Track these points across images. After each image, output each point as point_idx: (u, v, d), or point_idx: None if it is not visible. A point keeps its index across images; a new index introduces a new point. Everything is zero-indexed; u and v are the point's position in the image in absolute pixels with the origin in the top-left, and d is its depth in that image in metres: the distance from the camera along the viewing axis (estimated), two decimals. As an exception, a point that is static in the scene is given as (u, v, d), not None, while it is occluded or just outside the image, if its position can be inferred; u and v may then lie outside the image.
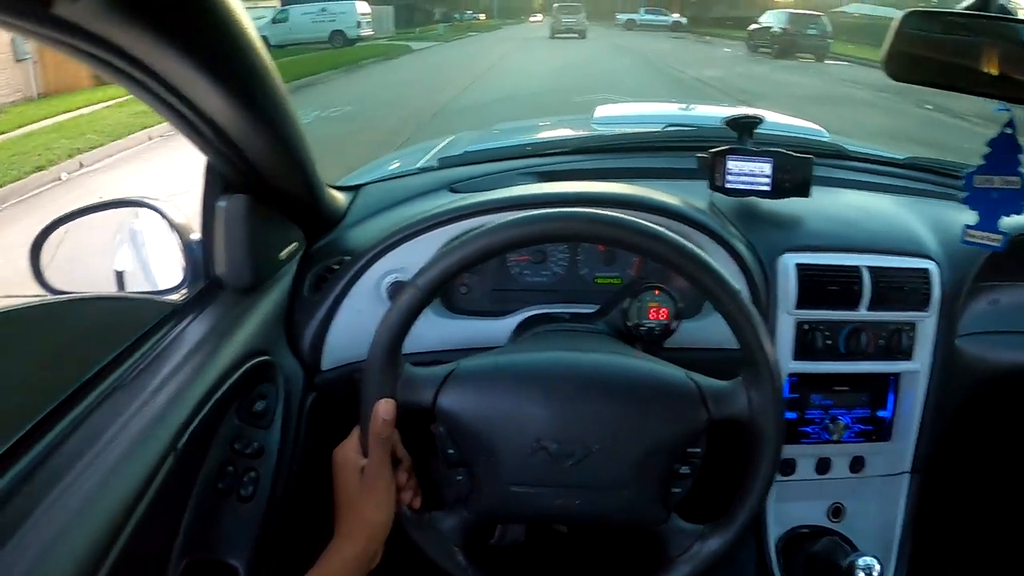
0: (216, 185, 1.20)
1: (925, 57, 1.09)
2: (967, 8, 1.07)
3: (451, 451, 1.01)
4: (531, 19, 65.90)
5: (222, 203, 1.19)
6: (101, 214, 1.46)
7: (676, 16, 46.52)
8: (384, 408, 0.97)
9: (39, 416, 0.94)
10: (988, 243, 1.26)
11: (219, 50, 0.93)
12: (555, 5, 39.31)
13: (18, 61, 13.57)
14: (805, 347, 1.41)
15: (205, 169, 1.19)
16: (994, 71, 1.06)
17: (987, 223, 1.25)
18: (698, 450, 1.00)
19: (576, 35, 34.77)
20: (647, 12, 47.28)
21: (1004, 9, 1.05)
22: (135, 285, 1.95)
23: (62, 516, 0.80)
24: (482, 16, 69.03)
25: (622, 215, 0.96)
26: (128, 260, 1.97)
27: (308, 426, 1.26)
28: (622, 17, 47.77)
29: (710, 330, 1.31)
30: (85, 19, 0.75)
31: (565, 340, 1.16)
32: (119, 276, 1.99)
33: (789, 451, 1.47)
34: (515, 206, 1.31)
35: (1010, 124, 1.18)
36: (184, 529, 1.00)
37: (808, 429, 1.45)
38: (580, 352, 1.06)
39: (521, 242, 0.95)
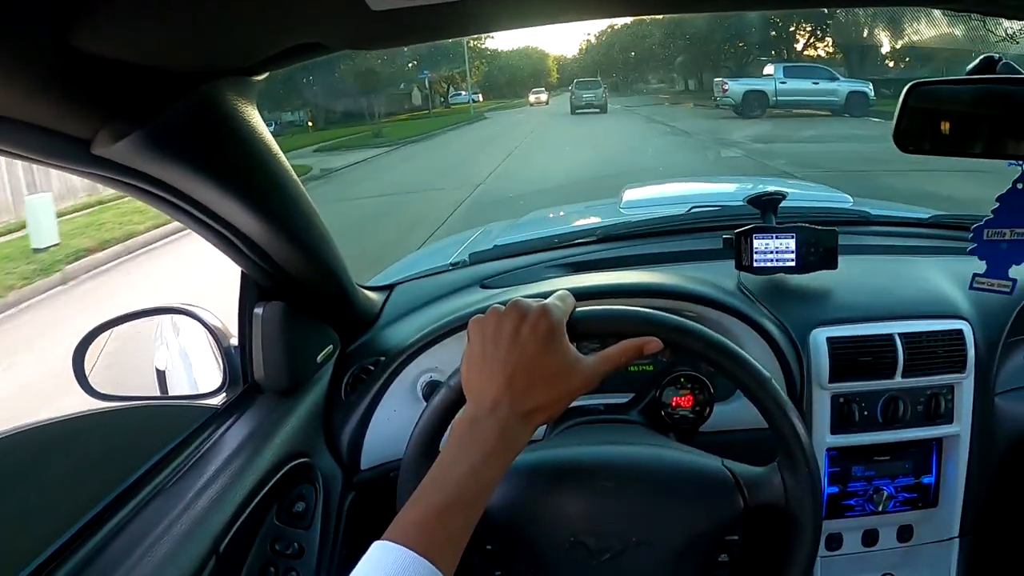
0: (252, 292, 1.24)
1: (934, 127, 1.10)
2: (970, 73, 1.08)
3: (489, 547, 1.01)
4: (532, 96, 49.70)
5: (259, 310, 1.23)
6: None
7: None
8: None
9: (85, 519, 0.97)
10: (997, 289, 1.25)
11: (247, 172, 0.98)
12: (575, 81, 38.94)
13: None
14: (842, 420, 1.39)
15: (241, 277, 1.24)
16: (1003, 133, 1.07)
17: (996, 271, 1.24)
18: (736, 537, 0.99)
19: (597, 110, 34.00)
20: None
21: (1009, 68, 1.06)
22: (176, 384, 2.00)
23: None
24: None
25: (648, 309, 0.97)
26: (169, 360, 2.02)
27: (348, 525, 1.27)
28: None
29: (745, 412, 1.30)
30: (123, 157, 0.80)
31: (600, 434, 1.15)
32: (160, 375, 2.04)
33: (834, 525, 1.44)
34: None
35: (1021, 178, 1.18)
36: None
37: (852, 502, 1.43)
38: (614, 445, 1.07)
39: (590, 335, 0.96)
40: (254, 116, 0.95)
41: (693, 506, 0.97)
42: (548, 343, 0.86)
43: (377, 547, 0.71)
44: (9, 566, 0.89)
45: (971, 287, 1.26)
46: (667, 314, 0.97)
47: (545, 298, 0.91)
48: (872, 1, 1.02)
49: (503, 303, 0.90)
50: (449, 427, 0.88)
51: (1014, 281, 1.24)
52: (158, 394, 1.69)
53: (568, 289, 1.28)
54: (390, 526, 0.73)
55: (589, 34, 70.15)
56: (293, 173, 1.09)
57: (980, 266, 1.25)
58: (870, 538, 1.48)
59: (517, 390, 0.83)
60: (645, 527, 0.96)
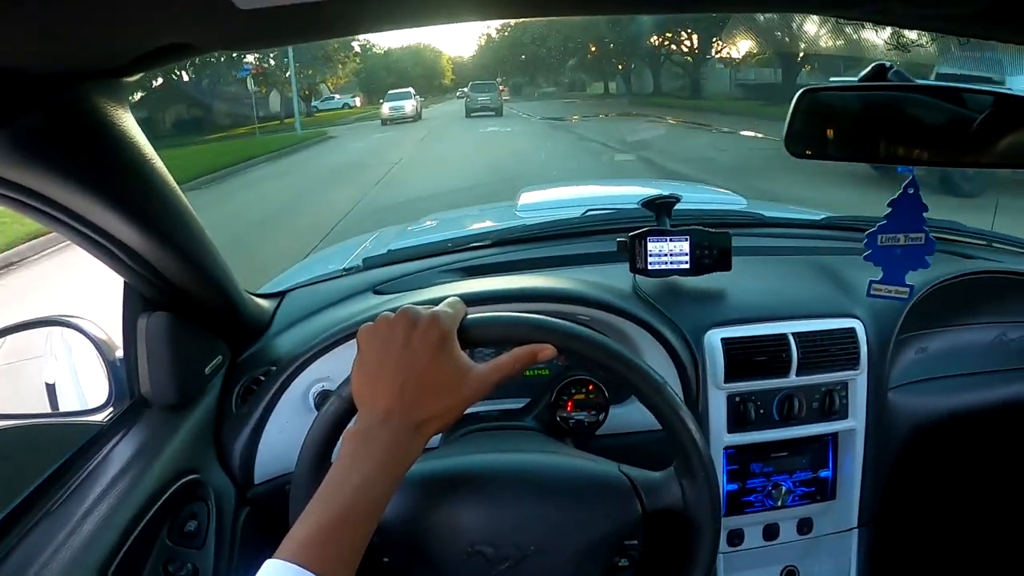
0: (135, 303, 1.19)
1: (823, 133, 1.12)
2: (863, 80, 1.09)
3: (386, 559, 0.99)
4: (386, 107, 32.40)
5: (142, 321, 1.18)
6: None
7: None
8: None
9: None
10: (895, 296, 1.29)
11: (122, 179, 0.94)
12: (470, 83, 37.48)
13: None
14: (738, 419, 1.41)
15: (123, 288, 1.19)
16: (894, 139, 1.09)
17: (892, 277, 1.28)
18: (635, 542, 0.99)
19: (492, 112, 32.53)
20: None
21: (900, 76, 1.07)
22: (66, 399, 1.92)
23: None
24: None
25: (540, 316, 0.96)
26: (58, 373, 1.93)
27: (244, 541, 1.24)
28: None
29: (640, 414, 1.30)
30: None
31: (494, 441, 1.15)
32: (50, 389, 1.95)
33: (735, 522, 1.47)
34: None
35: (912, 183, 1.21)
36: None
37: (751, 498, 1.46)
38: (509, 453, 1.06)
39: (483, 342, 0.94)
40: (126, 120, 0.92)
41: (590, 512, 0.97)
42: (439, 351, 0.85)
43: (267, 565, 0.69)
44: None
45: (869, 294, 1.29)
46: (559, 320, 0.96)
47: (436, 304, 0.90)
48: (762, 5, 1.03)
49: (393, 310, 0.88)
50: (340, 438, 0.85)
51: (911, 287, 1.27)
52: (48, 410, 1.62)
53: (460, 294, 1.27)
54: (282, 543, 0.71)
55: (489, 27, 64.72)
56: (171, 180, 1.05)
57: (875, 270, 1.28)
58: (771, 532, 1.51)
59: (408, 400, 0.82)
60: (543, 535, 0.95)
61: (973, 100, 1.02)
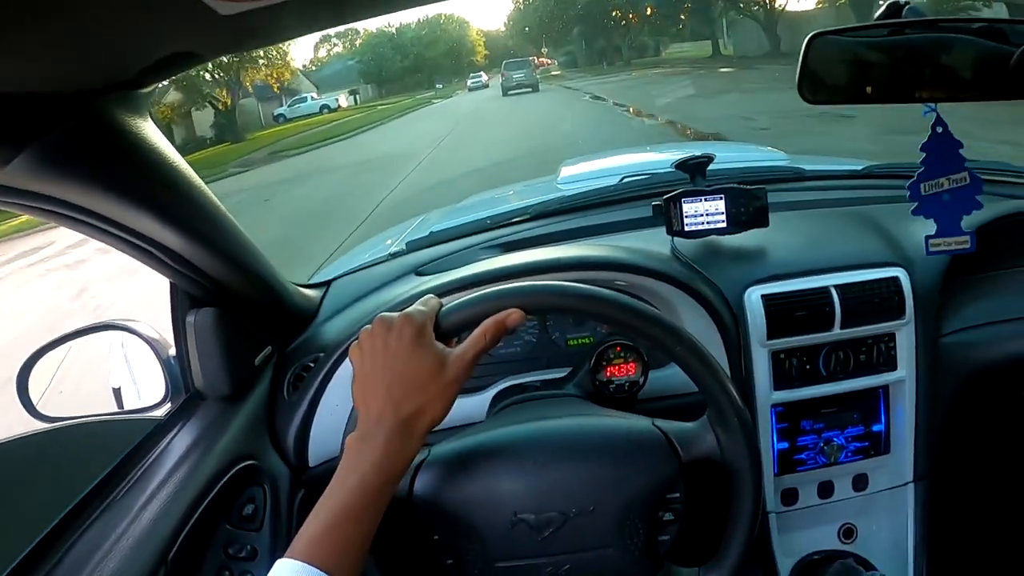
0: (183, 301, 1.24)
1: (836, 76, 1.09)
2: (878, 19, 1.07)
3: (436, 537, 1.01)
4: (470, 81, 47.07)
5: (191, 318, 1.23)
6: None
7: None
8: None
9: (35, 540, 0.98)
10: (956, 247, 1.23)
11: (152, 186, 0.98)
12: (504, 62, 36.69)
13: None
14: (784, 376, 1.40)
15: (171, 287, 1.23)
16: (910, 76, 1.06)
17: (947, 228, 1.23)
18: (677, 495, 1.00)
19: (529, 89, 32.51)
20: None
21: (915, 12, 1.05)
22: (130, 399, 1.99)
23: None
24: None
25: (558, 282, 0.97)
26: (121, 376, 2.01)
27: (300, 522, 1.27)
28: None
29: (677, 377, 1.31)
30: (16, 181, 0.79)
31: (533, 411, 1.16)
32: (116, 392, 2.03)
33: (788, 480, 1.46)
34: (474, 284, 1.32)
35: (939, 122, 1.18)
36: None
37: (803, 456, 1.44)
38: (544, 420, 1.07)
39: (460, 328, 0.95)
40: (148, 129, 0.95)
41: (627, 469, 0.98)
42: (414, 347, 0.89)
43: (278, 565, 0.77)
44: None
45: (928, 252, 1.26)
46: (525, 283, 0.97)
47: (474, 283, 0.93)
48: None
49: (370, 322, 0.93)
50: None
51: (971, 235, 1.22)
52: (115, 411, 1.69)
53: (496, 268, 1.28)
54: (291, 544, 0.80)
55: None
56: (201, 183, 1.09)
57: (925, 221, 1.23)
58: (825, 490, 1.49)
59: (396, 399, 0.87)
60: (582, 497, 0.96)
61: (1013, 32, 0.99)
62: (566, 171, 2.49)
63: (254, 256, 1.26)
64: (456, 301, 0.96)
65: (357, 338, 0.94)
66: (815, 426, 1.44)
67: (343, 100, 44.18)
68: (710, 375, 0.96)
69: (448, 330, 0.94)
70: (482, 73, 48.79)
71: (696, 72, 28.31)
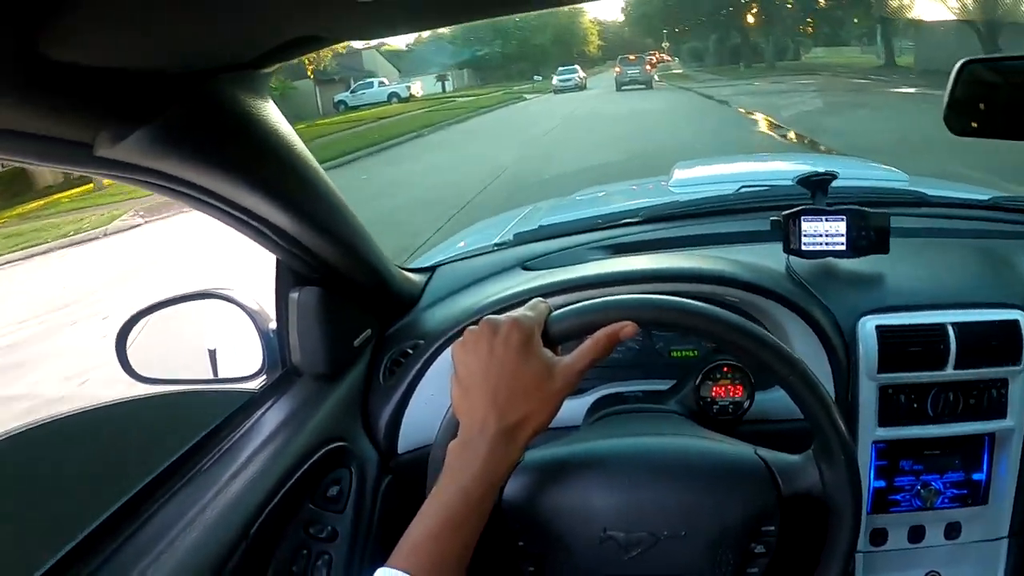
0: (287, 277, 1.25)
1: (986, 107, 1.04)
2: None
3: (520, 543, 0.99)
4: (557, 78, 35.04)
5: (294, 295, 1.24)
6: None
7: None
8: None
9: (120, 502, 0.99)
10: None
11: (267, 165, 0.98)
12: (619, 57, 34.30)
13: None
14: (890, 412, 1.34)
15: (276, 264, 1.24)
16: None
17: None
18: (772, 528, 0.96)
19: (642, 85, 31.12)
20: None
21: None
22: (225, 366, 2.03)
23: None
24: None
25: (673, 298, 0.94)
26: (217, 341, 2.04)
27: (383, 509, 1.27)
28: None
29: (783, 402, 1.27)
30: (129, 156, 0.80)
31: (633, 424, 1.14)
32: (212, 356, 2.07)
33: (880, 520, 1.40)
34: (583, 287, 1.31)
35: None
36: None
37: (898, 497, 1.39)
38: (645, 437, 1.05)
39: (568, 336, 0.94)
40: (266, 109, 0.95)
41: (725, 497, 0.95)
42: (522, 353, 0.87)
43: (377, 574, 0.75)
44: (43, 549, 0.91)
45: None
46: (639, 295, 0.95)
47: (582, 286, 0.90)
48: None
49: (477, 323, 0.91)
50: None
51: None
52: (210, 376, 1.72)
53: (608, 273, 1.26)
54: (392, 554, 0.78)
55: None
56: (316, 163, 1.09)
57: None
58: (916, 534, 1.43)
59: (501, 406, 0.85)
60: (676, 520, 0.94)
61: None
62: (679, 174, 2.44)
63: (363, 239, 1.26)
64: (567, 308, 0.94)
65: (460, 333, 0.93)
66: (914, 467, 1.38)
67: (416, 88, 38.46)
68: (821, 408, 0.92)
69: (556, 337, 0.92)
70: (576, 68, 36.06)
71: (880, 89, 22.11)
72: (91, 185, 17.22)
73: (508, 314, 0.90)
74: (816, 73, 30.88)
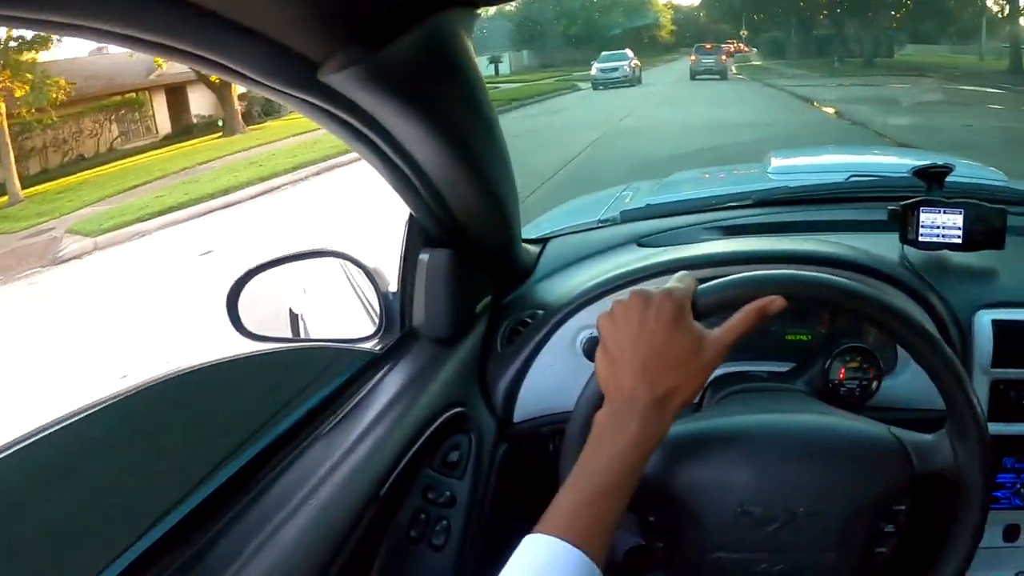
0: (418, 238, 1.26)
1: None
2: None
3: (651, 519, 1.00)
4: (597, 67, 25.88)
5: (424, 256, 1.24)
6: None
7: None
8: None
9: (244, 459, 1.00)
10: None
11: (453, 110, 0.97)
12: (695, 46, 31.27)
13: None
14: (1001, 408, 1.33)
15: (407, 223, 1.25)
16: None
17: None
18: (903, 507, 0.96)
19: (717, 76, 27.94)
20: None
21: None
22: (313, 328, 2.04)
23: (272, 554, 0.86)
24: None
25: (822, 275, 0.95)
26: (306, 304, 2.06)
27: (498, 477, 1.29)
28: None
29: (907, 388, 1.28)
30: (345, 87, 0.80)
31: (763, 402, 1.14)
32: (294, 319, 2.08)
33: None
34: (708, 264, 1.31)
35: None
36: (376, 573, 1.04)
37: (998, 494, 1.38)
38: (780, 414, 1.05)
39: (716, 309, 0.94)
40: (470, 52, 0.93)
41: (861, 475, 0.95)
42: (674, 325, 0.87)
43: (528, 540, 0.76)
44: (173, 500, 0.90)
45: None
46: (787, 271, 0.95)
47: (707, 263, 0.90)
48: None
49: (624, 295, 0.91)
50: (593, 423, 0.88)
51: None
52: (323, 337, 1.72)
53: (730, 254, 1.26)
54: (540, 521, 0.78)
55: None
56: (496, 116, 1.07)
57: None
58: (1011, 533, 1.44)
59: (651, 376, 0.86)
60: (813, 497, 0.94)
61: None
62: (777, 162, 2.41)
63: (510, 202, 1.25)
64: (716, 282, 0.94)
65: (583, 305, 0.93)
66: (1016, 465, 1.37)
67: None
68: (959, 387, 0.92)
69: (703, 310, 0.92)
70: (626, 53, 26.56)
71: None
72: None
73: (658, 287, 0.91)
74: (925, 75, 25.03)
